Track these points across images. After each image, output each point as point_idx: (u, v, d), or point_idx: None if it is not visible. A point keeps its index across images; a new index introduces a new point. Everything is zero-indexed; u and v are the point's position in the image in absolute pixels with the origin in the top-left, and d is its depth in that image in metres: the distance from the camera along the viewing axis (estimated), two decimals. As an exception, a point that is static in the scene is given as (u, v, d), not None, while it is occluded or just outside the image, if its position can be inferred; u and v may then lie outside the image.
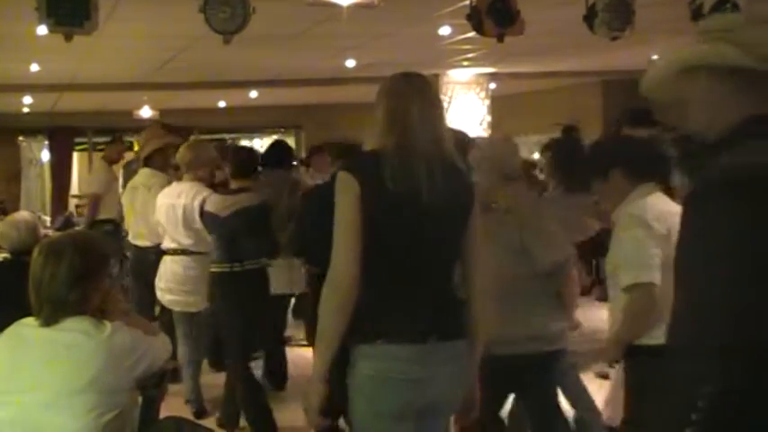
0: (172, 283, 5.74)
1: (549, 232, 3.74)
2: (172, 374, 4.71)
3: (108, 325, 2.67)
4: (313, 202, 5.05)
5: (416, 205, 2.58)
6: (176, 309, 5.80)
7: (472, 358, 2.74)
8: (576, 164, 4.97)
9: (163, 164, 6.50)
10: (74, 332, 2.63)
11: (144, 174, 6.56)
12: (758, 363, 1.76)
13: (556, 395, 4.01)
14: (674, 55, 2.07)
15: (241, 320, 5.12)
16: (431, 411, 2.67)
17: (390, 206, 2.57)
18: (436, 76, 10.42)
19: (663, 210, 3.29)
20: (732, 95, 1.95)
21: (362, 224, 2.54)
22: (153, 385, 2.94)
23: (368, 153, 2.69)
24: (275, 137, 13.58)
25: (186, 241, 5.64)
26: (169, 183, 6.07)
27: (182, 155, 5.71)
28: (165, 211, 5.68)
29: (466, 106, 10.62)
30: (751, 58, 1.92)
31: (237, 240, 5.04)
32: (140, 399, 2.91)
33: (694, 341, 1.81)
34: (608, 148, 3.90)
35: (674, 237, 1.96)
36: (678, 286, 1.91)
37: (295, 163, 8.66)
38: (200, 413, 5.68)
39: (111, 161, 8.52)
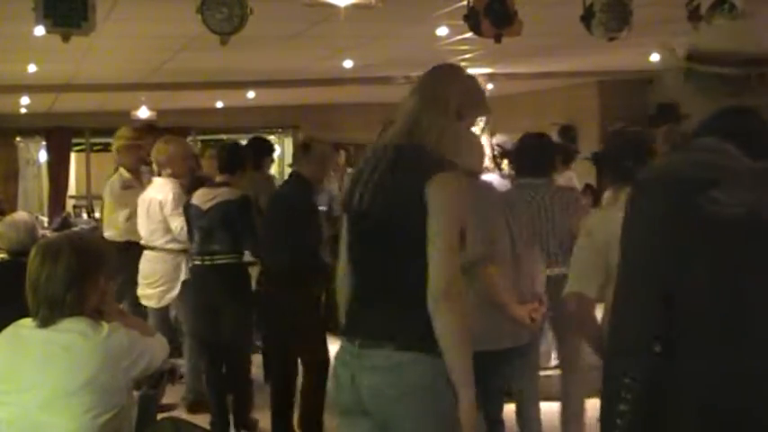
0: (140, 275, 5.97)
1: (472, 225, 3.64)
2: (170, 375, 4.76)
3: (105, 326, 2.67)
4: (271, 204, 5.22)
5: (353, 213, 2.63)
6: (143, 301, 5.99)
7: (426, 374, 2.46)
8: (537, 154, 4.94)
9: (132, 164, 6.63)
10: (71, 333, 2.63)
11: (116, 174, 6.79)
12: (667, 357, 1.83)
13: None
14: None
15: (206, 313, 5.25)
16: (370, 416, 2.54)
17: (344, 215, 2.72)
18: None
19: (608, 217, 3.25)
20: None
21: None
22: (151, 386, 2.95)
23: None
24: (272, 137, 13.59)
25: (145, 235, 5.89)
26: (123, 182, 6.44)
27: (155, 152, 5.95)
28: (139, 205, 5.96)
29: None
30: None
31: (215, 233, 5.15)
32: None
33: (616, 336, 1.91)
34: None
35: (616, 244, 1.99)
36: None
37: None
38: (195, 406, 5.81)
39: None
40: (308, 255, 4.89)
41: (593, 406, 5.37)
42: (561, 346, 4.99)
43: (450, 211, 2.47)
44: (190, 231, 5.37)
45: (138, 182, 6.55)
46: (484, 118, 2.73)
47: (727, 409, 1.80)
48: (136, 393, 2.91)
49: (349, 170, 9.33)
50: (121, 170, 6.63)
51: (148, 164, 6.70)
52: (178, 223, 5.63)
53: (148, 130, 7.73)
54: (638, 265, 1.88)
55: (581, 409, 4.69)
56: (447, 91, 2.60)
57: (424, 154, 2.51)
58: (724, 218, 1.76)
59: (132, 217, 6.28)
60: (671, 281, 1.82)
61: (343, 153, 9.06)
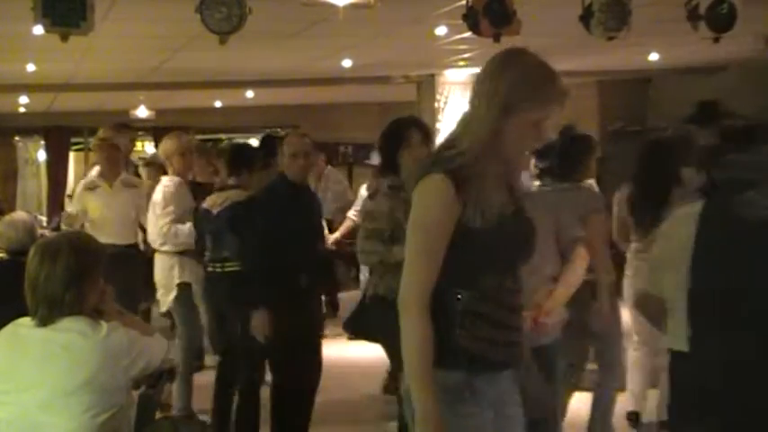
0: None
1: None
2: (169, 375, 4.73)
3: (104, 325, 2.68)
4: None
5: None
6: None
7: None
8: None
9: (102, 163, 6.49)
10: (70, 332, 2.64)
11: None
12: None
13: None
14: None
15: (214, 322, 5.24)
16: None
17: None
18: (432, 76, 10.43)
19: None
20: None
21: None
22: (150, 385, 2.95)
23: None
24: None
25: (148, 237, 5.85)
26: (89, 182, 6.38)
27: (160, 149, 5.96)
28: None
29: (462, 107, 10.62)
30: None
31: (224, 238, 5.03)
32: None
33: None
34: None
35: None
36: None
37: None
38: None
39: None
40: (280, 256, 4.58)
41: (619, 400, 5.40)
42: (598, 345, 4.99)
43: (416, 218, 2.35)
44: (201, 236, 5.26)
45: (106, 182, 6.33)
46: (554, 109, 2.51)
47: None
48: (135, 393, 2.91)
49: (328, 170, 9.26)
50: (94, 170, 6.48)
51: (126, 164, 6.65)
52: (163, 223, 5.53)
53: (122, 128, 7.62)
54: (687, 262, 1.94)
55: (612, 405, 4.77)
56: (495, 81, 2.41)
57: (434, 154, 2.41)
58: (755, 219, 1.76)
59: (76, 222, 6.16)
60: (699, 279, 1.85)
61: (322, 154, 8.91)
